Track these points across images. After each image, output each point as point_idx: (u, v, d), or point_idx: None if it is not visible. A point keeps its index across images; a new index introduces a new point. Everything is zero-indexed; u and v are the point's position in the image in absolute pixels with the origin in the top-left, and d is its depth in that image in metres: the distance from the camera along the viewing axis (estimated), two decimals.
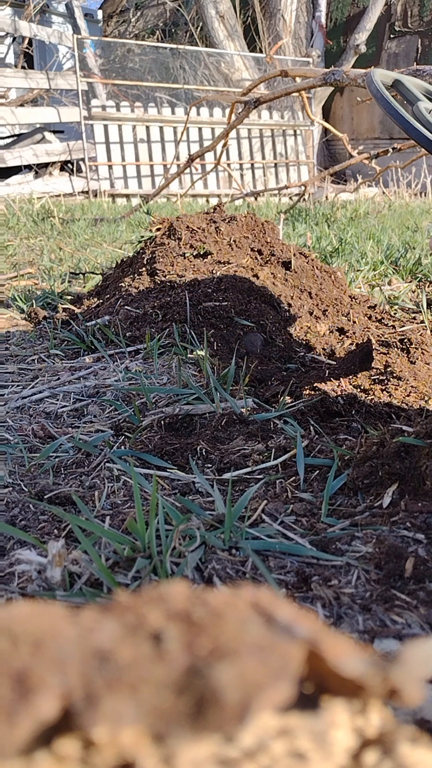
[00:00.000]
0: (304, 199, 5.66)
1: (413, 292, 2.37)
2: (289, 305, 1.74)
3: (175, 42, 9.52)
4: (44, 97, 8.28)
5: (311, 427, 1.12)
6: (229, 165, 7.54)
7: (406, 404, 1.21)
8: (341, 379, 1.30)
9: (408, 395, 1.25)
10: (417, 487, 0.87)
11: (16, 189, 6.85)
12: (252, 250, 1.96)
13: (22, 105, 8.04)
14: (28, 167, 7.41)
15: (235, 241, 1.98)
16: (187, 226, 2.03)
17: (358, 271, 2.62)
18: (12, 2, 8.61)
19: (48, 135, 7.76)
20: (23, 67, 8.64)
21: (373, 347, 1.40)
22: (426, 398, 1.25)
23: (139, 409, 1.19)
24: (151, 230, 2.19)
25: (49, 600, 0.69)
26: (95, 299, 2.06)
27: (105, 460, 1.05)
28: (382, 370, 1.35)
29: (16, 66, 8.92)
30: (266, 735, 0.21)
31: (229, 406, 1.18)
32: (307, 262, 1.93)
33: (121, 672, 0.21)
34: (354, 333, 1.68)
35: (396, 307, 2.12)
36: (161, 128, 7.56)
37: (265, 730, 0.21)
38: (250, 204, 5.86)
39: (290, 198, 7.13)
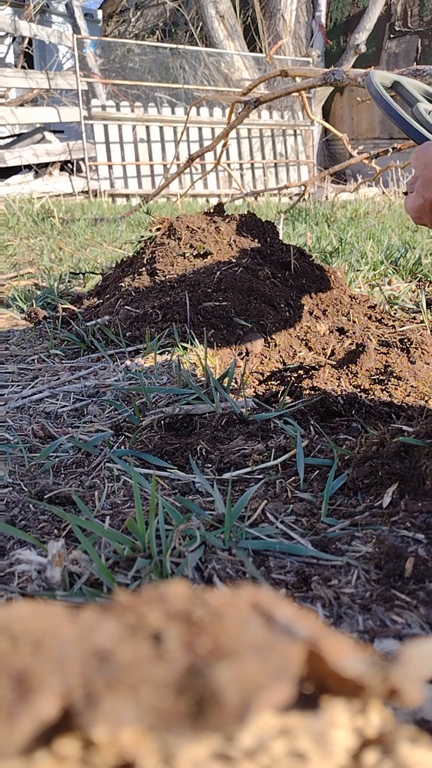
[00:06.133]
0: (304, 199, 5.66)
1: (413, 292, 2.37)
2: (289, 305, 1.74)
3: (175, 42, 9.52)
4: (44, 97, 8.28)
5: (311, 427, 1.12)
6: (229, 165, 7.54)
7: (406, 404, 1.21)
8: (341, 379, 1.30)
9: (408, 395, 1.25)
10: (417, 487, 0.87)
11: (16, 189, 6.85)
12: (252, 250, 1.96)
13: (22, 105, 8.04)
14: (28, 167, 7.42)
15: (235, 241, 1.98)
16: (187, 226, 2.03)
17: (358, 271, 2.62)
18: (12, 2, 8.60)
19: (48, 135, 7.76)
20: (23, 67, 8.64)
21: (373, 347, 1.40)
22: (426, 398, 1.25)
23: (139, 409, 1.19)
24: (151, 230, 2.19)
25: (49, 600, 0.69)
26: (95, 299, 2.06)
27: (105, 460, 1.05)
28: (382, 370, 1.35)
29: (16, 66, 8.91)
30: (266, 735, 0.21)
31: (229, 406, 1.18)
32: (307, 262, 1.93)
33: (121, 672, 0.21)
34: (354, 333, 1.68)
35: (396, 307, 2.12)
36: (161, 128, 7.56)
37: (265, 730, 0.21)
38: (250, 204, 5.86)
39: (290, 198, 7.13)
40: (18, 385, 1.47)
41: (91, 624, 0.22)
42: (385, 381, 1.28)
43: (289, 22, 9.11)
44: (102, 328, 1.71)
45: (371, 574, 0.73)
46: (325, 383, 1.29)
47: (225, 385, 1.28)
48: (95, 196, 7.13)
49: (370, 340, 1.52)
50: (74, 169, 7.55)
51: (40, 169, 7.45)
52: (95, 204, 6.25)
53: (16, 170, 7.39)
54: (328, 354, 1.50)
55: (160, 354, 1.54)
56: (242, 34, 9.12)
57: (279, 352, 1.57)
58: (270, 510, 0.87)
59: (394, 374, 1.31)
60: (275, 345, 1.60)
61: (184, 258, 1.92)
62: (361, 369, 1.33)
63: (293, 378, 1.37)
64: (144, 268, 1.95)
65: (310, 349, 1.61)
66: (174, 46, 8.15)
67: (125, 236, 3.92)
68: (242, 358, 1.51)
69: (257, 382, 1.41)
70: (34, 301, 2.27)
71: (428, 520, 0.82)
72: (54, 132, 8.12)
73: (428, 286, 2.44)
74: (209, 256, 1.91)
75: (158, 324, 1.66)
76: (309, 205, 5.29)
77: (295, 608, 0.24)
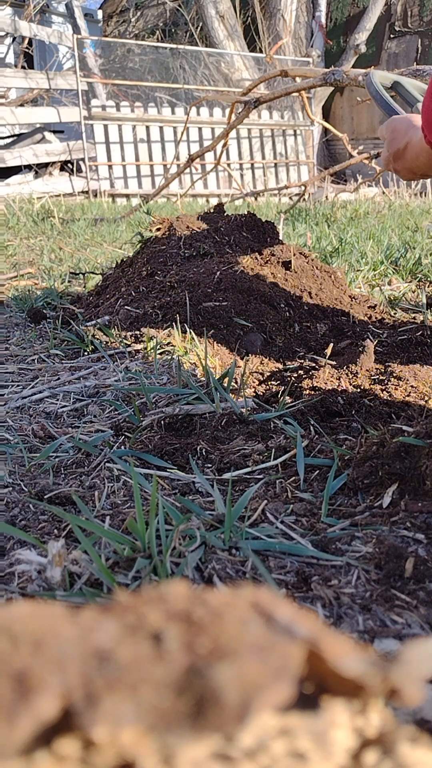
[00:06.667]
0: (304, 199, 5.66)
1: (413, 292, 2.37)
2: (289, 305, 1.74)
3: (175, 42, 9.52)
4: (44, 97, 8.28)
5: (311, 427, 1.12)
6: (229, 165, 7.54)
7: (407, 404, 1.21)
8: (341, 379, 1.30)
9: (408, 395, 1.25)
10: (417, 487, 0.87)
11: (16, 189, 6.85)
12: (252, 250, 1.96)
13: (22, 105, 8.04)
14: (28, 167, 7.42)
15: (234, 241, 1.98)
16: (187, 226, 2.03)
17: (358, 271, 2.61)
18: (12, 2, 8.60)
19: (48, 135, 7.76)
20: (23, 67, 8.64)
21: (373, 347, 1.40)
22: (426, 398, 1.25)
23: (139, 409, 1.19)
24: (151, 230, 2.19)
25: (49, 600, 0.69)
26: (95, 299, 2.06)
27: (105, 460, 1.05)
28: (382, 370, 1.35)
29: (16, 66, 8.91)
30: (266, 735, 0.21)
31: (229, 406, 1.18)
32: (307, 262, 1.93)
33: (121, 672, 0.21)
34: (354, 333, 1.67)
35: (396, 307, 2.12)
36: (161, 128, 7.56)
37: (265, 730, 0.21)
38: (250, 204, 5.86)
39: (290, 198, 7.13)
40: (18, 385, 1.46)
41: (91, 624, 0.22)
42: (385, 381, 1.28)
43: (289, 22, 9.11)
44: (102, 328, 1.71)
45: (371, 574, 0.73)
46: (325, 383, 1.29)
47: (225, 385, 1.28)
48: (95, 196, 7.13)
49: (370, 340, 1.52)
50: (74, 169, 7.55)
51: (40, 169, 7.45)
52: (95, 204, 6.25)
53: (16, 170, 7.39)
54: (328, 354, 1.50)
55: (160, 354, 1.54)
56: (242, 34, 9.12)
57: (279, 352, 1.57)
58: (270, 510, 0.87)
59: (394, 374, 1.31)
60: (275, 345, 1.60)
61: (184, 258, 1.92)
62: (361, 369, 1.33)
63: (293, 378, 1.37)
64: (144, 268, 1.95)
65: (310, 349, 1.61)
66: (174, 46, 8.15)
67: (125, 236, 3.92)
68: (242, 358, 1.51)
69: (257, 382, 1.41)
70: (34, 301, 2.27)
71: (428, 520, 0.82)
72: (54, 132, 8.12)
73: (428, 286, 2.44)
74: (209, 256, 1.91)
75: (158, 324, 1.66)
76: (309, 205, 5.29)
77: (295, 608, 0.24)
